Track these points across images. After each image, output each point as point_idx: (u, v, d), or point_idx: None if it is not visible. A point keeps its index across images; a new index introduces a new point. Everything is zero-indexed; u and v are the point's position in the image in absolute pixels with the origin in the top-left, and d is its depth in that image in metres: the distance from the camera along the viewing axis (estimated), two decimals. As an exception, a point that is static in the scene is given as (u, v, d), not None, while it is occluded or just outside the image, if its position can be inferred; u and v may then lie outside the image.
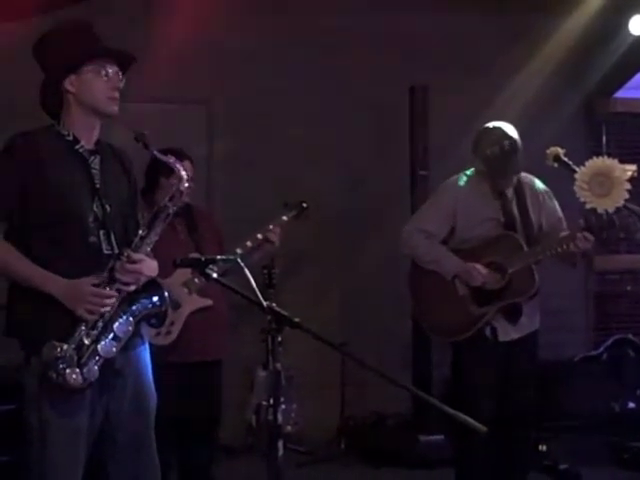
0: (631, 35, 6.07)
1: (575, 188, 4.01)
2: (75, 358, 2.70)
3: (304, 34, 6.02)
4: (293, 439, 5.41)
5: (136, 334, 2.88)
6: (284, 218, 4.51)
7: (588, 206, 4.00)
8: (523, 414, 4.22)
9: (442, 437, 5.37)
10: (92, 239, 2.84)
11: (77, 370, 2.69)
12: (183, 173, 2.92)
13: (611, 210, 3.97)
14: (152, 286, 2.86)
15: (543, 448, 5.34)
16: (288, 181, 5.73)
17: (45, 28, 2.95)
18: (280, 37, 6.02)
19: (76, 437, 2.79)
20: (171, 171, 3.02)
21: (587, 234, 3.98)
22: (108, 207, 2.88)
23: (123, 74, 2.94)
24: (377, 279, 6.05)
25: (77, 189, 2.85)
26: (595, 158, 4.08)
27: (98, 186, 2.89)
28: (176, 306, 4.04)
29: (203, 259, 2.74)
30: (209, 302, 4.21)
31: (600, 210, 3.98)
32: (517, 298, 4.14)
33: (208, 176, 5.90)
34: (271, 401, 2.53)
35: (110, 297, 2.77)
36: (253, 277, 2.63)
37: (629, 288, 6.97)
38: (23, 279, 2.78)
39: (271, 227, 4.40)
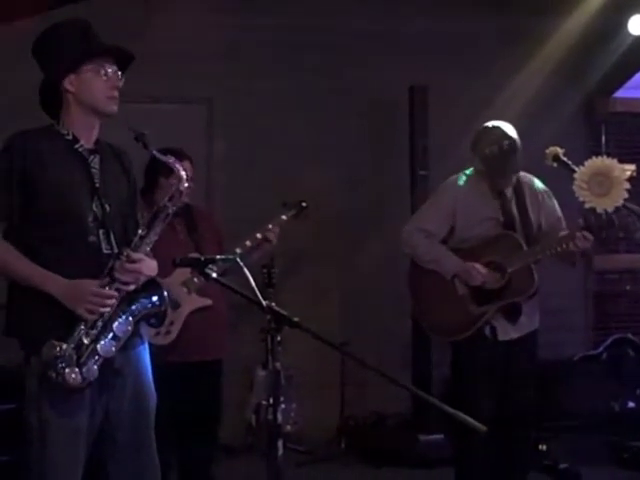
0: (631, 35, 6.07)
1: (574, 188, 4.01)
2: (74, 357, 2.70)
3: (304, 34, 6.03)
4: (293, 439, 5.42)
5: (135, 334, 2.89)
6: (283, 217, 4.52)
7: (587, 206, 4.00)
8: (523, 414, 4.22)
9: (442, 437, 5.38)
10: (91, 238, 2.84)
11: (76, 369, 2.69)
12: (183, 173, 2.92)
13: (610, 210, 3.97)
14: (152, 286, 2.86)
15: (543, 448, 5.34)
16: (288, 181, 5.73)
17: (44, 27, 2.95)
18: (280, 37, 6.03)
19: (76, 437, 2.79)
20: (171, 171, 3.02)
21: (586, 233, 3.98)
22: (108, 207, 2.88)
23: (122, 73, 2.95)
24: (377, 279, 6.05)
25: (77, 188, 2.85)
26: (594, 158, 4.08)
27: (98, 185, 2.89)
28: (175, 306, 4.04)
29: (202, 259, 2.75)
30: (208, 302, 4.21)
31: (599, 210, 3.98)
32: (516, 297, 4.14)
33: (208, 176, 5.90)
34: (271, 401, 2.53)
35: (110, 297, 2.77)
36: (252, 276, 2.63)
37: (628, 287, 6.97)
38: (23, 278, 2.78)
39: (270, 227, 4.40)
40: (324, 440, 5.83)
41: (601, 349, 6.29)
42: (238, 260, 2.87)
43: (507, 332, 4.17)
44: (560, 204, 4.32)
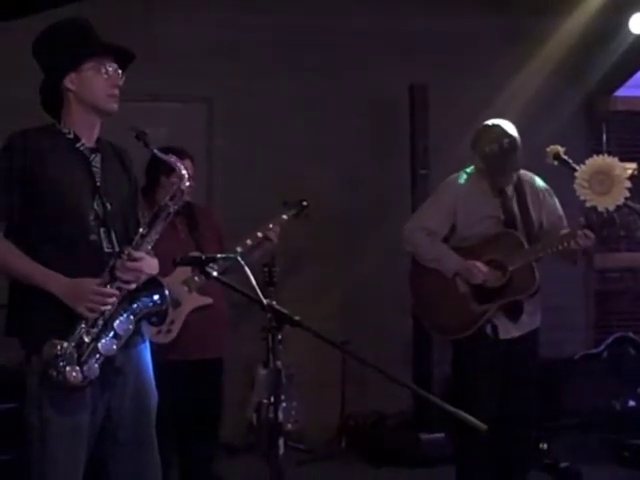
0: (631, 34, 6.07)
1: (575, 186, 4.02)
2: (75, 356, 2.70)
3: (304, 34, 6.03)
4: (294, 437, 5.42)
5: (137, 332, 2.88)
6: (284, 217, 4.53)
7: (588, 204, 4.00)
8: (524, 412, 4.22)
9: (443, 435, 5.38)
10: (93, 237, 2.84)
11: (77, 368, 2.69)
12: (184, 172, 2.92)
13: (611, 208, 3.98)
14: (153, 284, 2.86)
15: (544, 446, 5.35)
16: (288, 181, 5.73)
17: (44, 26, 2.95)
18: (280, 37, 6.03)
19: (77, 435, 2.79)
20: (172, 170, 3.02)
21: (588, 232, 3.98)
22: (109, 205, 2.88)
23: (123, 72, 2.95)
24: (377, 277, 6.05)
25: (78, 187, 2.86)
26: (595, 156, 4.08)
27: (99, 184, 2.89)
28: (176, 304, 4.05)
29: (203, 257, 2.75)
30: (209, 300, 4.21)
31: (600, 208, 3.99)
32: (518, 296, 4.14)
33: (208, 175, 5.91)
34: (272, 399, 2.54)
35: (111, 296, 2.77)
36: (253, 275, 2.63)
37: (630, 286, 6.97)
38: (24, 277, 2.78)
39: (271, 226, 4.41)
40: (325, 439, 5.83)
41: (602, 348, 6.28)
42: (239, 259, 2.87)
43: (508, 331, 4.17)
44: (561, 203, 4.32)
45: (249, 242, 4.31)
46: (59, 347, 2.68)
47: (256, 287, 2.57)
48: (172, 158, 2.93)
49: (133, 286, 2.82)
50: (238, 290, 2.63)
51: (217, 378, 4.36)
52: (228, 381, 4.51)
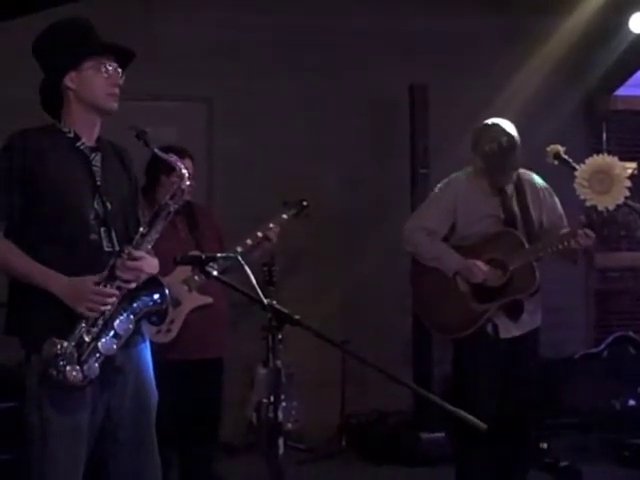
0: (631, 33, 6.07)
1: (575, 185, 4.02)
2: (75, 355, 2.70)
3: (304, 34, 6.03)
4: (294, 437, 5.42)
5: (137, 332, 2.88)
6: (284, 216, 4.53)
7: (588, 203, 4.00)
8: (524, 412, 4.22)
9: (443, 435, 5.38)
10: (93, 236, 2.84)
11: (77, 367, 2.69)
12: (184, 171, 2.92)
13: (611, 208, 3.98)
14: (153, 284, 2.86)
15: (544, 445, 5.35)
16: (288, 181, 5.73)
17: (43, 26, 2.95)
18: (280, 37, 6.03)
19: (77, 435, 2.79)
20: (172, 169, 3.02)
21: (588, 231, 3.98)
22: (109, 204, 2.88)
23: (123, 71, 2.95)
24: (377, 277, 6.05)
25: (78, 186, 2.85)
26: (595, 156, 4.09)
27: (99, 183, 2.89)
28: (176, 304, 4.05)
29: (203, 257, 2.75)
30: (209, 300, 4.21)
31: (600, 208, 3.99)
32: (518, 295, 4.14)
33: (208, 175, 5.91)
34: (271, 399, 2.54)
35: (111, 296, 2.77)
36: (253, 275, 2.63)
37: (630, 285, 6.97)
38: (24, 276, 2.78)
39: (271, 225, 4.41)
40: (325, 438, 5.83)
41: (602, 347, 6.28)
42: (239, 258, 2.87)
43: (509, 330, 4.17)
44: (561, 202, 4.32)
45: (249, 242, 4.31)
46: (59, 346, 2.68)
47: (256, 286, 2.57)
48: (172, 157, 2.93)
49: (133, 285, 2.82)
50: (238, 289, 2.63)
51: (217, 377, 4.36)
52: (228, 381, 4.51)
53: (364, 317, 6.06)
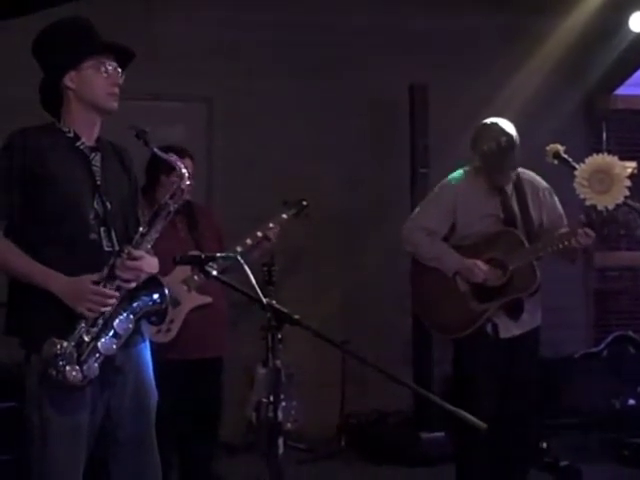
0: (631, 32, 6.07)
1: (575, 185, 4.02)
2: (75, 355, 2.69)
3: (304, 33, 6.03)
4: (293, 436, 5.41)
5: (136, 331, 2.88)
6: (284, 216, 4.52)
7: (588, 203, 4.00)
8: (524, 412, 4.21)
9: (443, 434, 5.37)
10: (93, 236, 2.84)
11: (77, 367, 2.69)
12: (184, 171, 2.92)
13: (611, 207, 3.98)
14: (152, 283, 2.86)
15: (544, 445, 5.35)
16: (288, 181, 5.73)
17: (42, 26, 2.95)
18: (280, 36, 6.03)
19: (77, 435, 2.79)
20: (172, 169, 3.02)
21: (588, 230, 3.98)
22: (109, 204, 2.88)
23: (123, 70, 2.95)
24: (377, 277, 6.05)
25: (78, 186, 2.85)
26: (595, 155, 4.09)
27: (99, 183, 2.89)
28: (176, 303, 4.05)
29: (203, 256, 2.75)
30: (209, 300, 4.21)
31: (600, 207, 3.99)
32: (518, 294, 4.14)
33: (208, 175, 5.91)
34: (271, 398, 2.54)
35: (111, 297, 2.77)
36: (253, 274, 2.63)
37: (629, 285, 6.97)
38: (23, 276, 2.78)
39: (271, 225, 4.40)
40: (325, 438, 5.83)
41: (602, 347, 6.28)
42: (239, 258, 2.86)
43: (509, 329, 4.17)
44: (561, 201, 4.32)
45: (249, 241, 4.30)
46: (59, 346, 2.68)
47: (256, 286, 2.57)
48: (172, 157, 2.93)
49: (133, 285, 2.82)
50: (238, 289, 2.63)
51: (217, 377, 4.36)
52: (228, 380, 4.51)
53: (364, 317, 6.06)
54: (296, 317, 2.52)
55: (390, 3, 6.15)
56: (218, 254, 2.95)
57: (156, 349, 3.11)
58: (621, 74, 6.57)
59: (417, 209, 4.46)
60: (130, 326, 2.80)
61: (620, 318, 6.78)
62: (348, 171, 6.16)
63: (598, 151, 4.29)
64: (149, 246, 2.87)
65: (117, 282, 2.78)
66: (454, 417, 2.43)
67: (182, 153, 3.83)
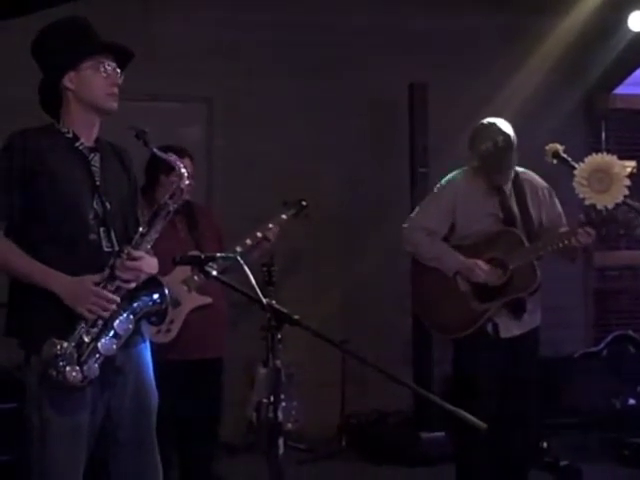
0: (630, 31, 6.08)
1: (574, 184, 4.02)
2: (75, 356, 2.69)
3: (304, 33, 6.03)
4: (294, 437, 5.42)
5: (136, 332, 2.88)
6: (283, 216, 4.52)
7: (587, 202, 4.00)
8: (524, 411, 4.21)
9: (443, 434, 5.37)
10: (92, 236, 2.84)
11: (77, 368, 2.69)
12: (183, 170, 2.92)
13: (610, 206, 3.98)
14: (152, 283, 2.86)
15: (544, 445, 5.35)
16: (288, 180, 5.73)
17: (41, 26, 2.95)
18: (280, 36, 6.03)
19: (77, 435, 2.79)
20: (171, 169, 3.02)
21: (589, 229, 3.98)
22: (108, 204, 2.88)
23: (122, 71, 2.95)
24: (377, 277, 6.05)
25: (77, 186, 2.85)
26: (594, 154, 4.08)
27: (98, 183, 2.89)
28: (176, 304, 4.04)
29: (203, 257, 2.75)
30: (209, 300, 4.21)
31: (599, 206, 3.99)
32: (519, 294, 4.14)
33: (208, 175, 5.91)
34: (271, 399, 2.53)
35: (113, 302, 2.76)
36: (253, 275, 2.63)
37: (629, 284, 6.97)
38: (24, 275, 2.78)
39: (271, 226, 4.40)
40: (325, 438, 5.83)
41: (601, 346, 6.28)
42: (238, 258, 2.86)
43: (509, 329, 4.17)
44: (560, 201, 4.33)
45: (249, 242, 4.30)
46: (59, 347, 2.68)
47: (256, 287, 2.57)
48: (171, 157, 2.93)
49: (133, 285, 2.82)
50: (238, 289, 2.63)
51: (217, 378, 4.36)
52: (228, 380, 4.51)
53: (364, 317, 6.06)
54: (296, 317, 2.52)
55: (390, 3, 6.15)
56: (218, 254, 2.95)
57: (156, 349, 3.11)
58: (620, 73, 6.57)
59: (417, 209, 4.46)
60: (130, 326, 2.80)
61: (620, 317, 6.78)
62: (348, 171, 6.16)
63: (597, 150, 4.30)
64: (149, 246, 2.87)
65: (117, 282, 2.78)
66: (454, 417, 2.43)
67: (181, 153, 3.83)
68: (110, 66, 2.90)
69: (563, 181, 4.16)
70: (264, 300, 2.54)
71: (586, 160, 4.04)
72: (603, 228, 4.01)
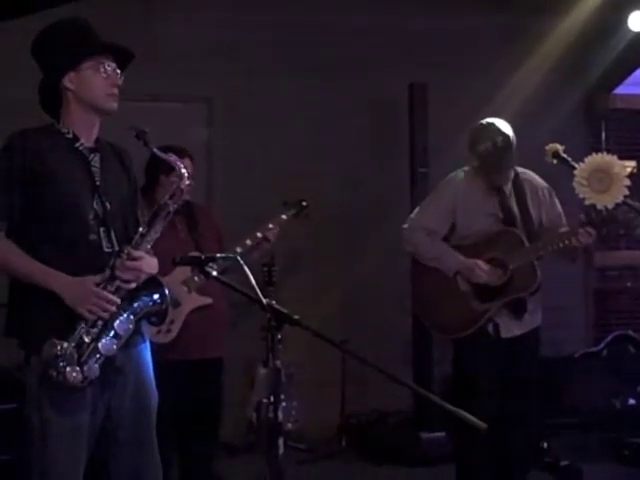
0: (630, 31, 6.08)
1: (574, 184, 4.02)
2: (75, 356, 2.69)
3: (304, 33, 6.03)
4: (294, 437, 5.42)
5: (137, 332, 2.88)
6: (283, 217, 4.53)
7: (587, 202, 4.00)
8: (524, 412, 4.21)
9: (443, 434, 5.37)
10: (92, 237, 2.84)
11: (77, 368, 2.69)
12: (183, 171, 2.92)
13: (610, 206, 3.98)
14: (153, 284, 2.86)
15: (544, 445, 5.35)
16: (288, 180, 5.73)
17: (41, 26, 2.95)
18: (280, 36, 6.03)
19: (77, 435, 2.79)
20: (171, 169, 3.02)
21: (589, 228, 3.98)
22: (108, 205, 2.88)
23: (122, 71, 2.95)
24: (377, 277, 6.05)
25: (77, 187, 2.86)
26: (594, 154, 4.09)
27: (98, 184, 2.89)
28: (176, 304, 4.04)
29: (203, 257, 2.75)
30: (209, 300, 4.21)
31: (599, 206, 3.99)
32: (519, 294, 4.14)
33: (208, 175, 5.91)
34: (271, 399, 2.54)
35: (113, 303, 2.77)
36: (253, 275, 2.63)
37: (629, 284, 6.97)
38: (24, 275, 2.78)
39: (271, 226, 4.41)
40: (325, 438, 5.83)
41: (602, 346, 6.28)
42: (238, 259, 2.87)
43: (510, 329, 4.17)
44: (560, 201, 4.33)
45: (249, 242, 4.31)
46: (59, 347, 2.68)
47: (256, 287, 2.57)
48: (171, 157, 2.93)
49: (133, 285, 2.82)
50: (238, 290, 2.63)
51: (217, 378, 4.36)
52: (228, 381, 4.52)
53: (364, 317, 6.06)
54: (296, 317, 2.52)
55: (390, 3, 6.15)
56: (218, 255, 2.95)
57: (156, 350, 3.11)
58: (620, 73, 6.57)
59: (417, 209, 4.46)
60: (130, 327, 2.80)
61: (620, 317, 6.78)
62: (348, 171, 6.16)
63: (597, 150, 4.30)
64: (149, 246, 2.87)
65: (117, 283, 2.78)
66: (454, 417, 2.43)
67: (182, 153, 3.83)
68: (110, 67, 2.90)
69: (563, 181, 4.16)
70: (264, 300, 2.54)
71: (586, 160, 4.04)
72: (603, 228, 4.01)
